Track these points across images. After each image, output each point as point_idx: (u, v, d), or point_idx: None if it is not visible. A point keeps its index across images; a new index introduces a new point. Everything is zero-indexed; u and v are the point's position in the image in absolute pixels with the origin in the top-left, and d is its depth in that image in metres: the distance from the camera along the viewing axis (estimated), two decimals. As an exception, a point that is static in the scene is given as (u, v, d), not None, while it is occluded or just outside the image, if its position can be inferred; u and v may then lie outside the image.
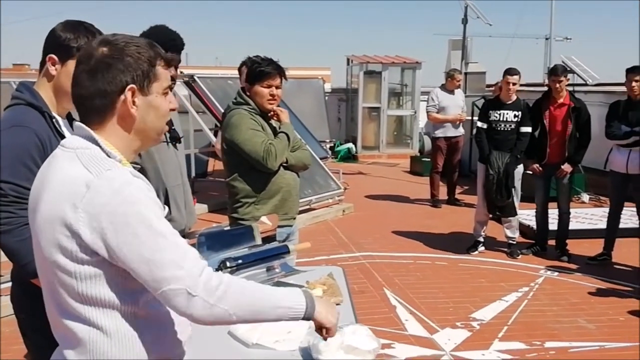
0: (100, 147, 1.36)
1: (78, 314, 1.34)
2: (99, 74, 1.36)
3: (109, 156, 1.36)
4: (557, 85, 5.64)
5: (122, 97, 1.37)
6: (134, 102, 1.38)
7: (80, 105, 1.39)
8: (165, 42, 2.53)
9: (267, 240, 2.62)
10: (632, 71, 5.35)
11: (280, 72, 3.15)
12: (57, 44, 2.00)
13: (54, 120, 1.98)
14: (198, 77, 8.05)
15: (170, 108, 1.46)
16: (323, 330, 1.57)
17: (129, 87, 1.36)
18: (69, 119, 2.08)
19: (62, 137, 1.92)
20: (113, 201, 1.27)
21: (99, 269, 1.32)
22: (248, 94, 3.22)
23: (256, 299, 1.39)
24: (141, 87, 1.39)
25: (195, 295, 1.28)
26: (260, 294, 1.40)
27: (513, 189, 5.81)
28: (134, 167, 1.45)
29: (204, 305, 1.29)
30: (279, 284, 2.59)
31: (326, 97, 13.26)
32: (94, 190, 1.28)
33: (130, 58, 1.37)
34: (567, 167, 5.70)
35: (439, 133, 8.34)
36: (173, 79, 2.60)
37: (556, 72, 5.71)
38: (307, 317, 1.48)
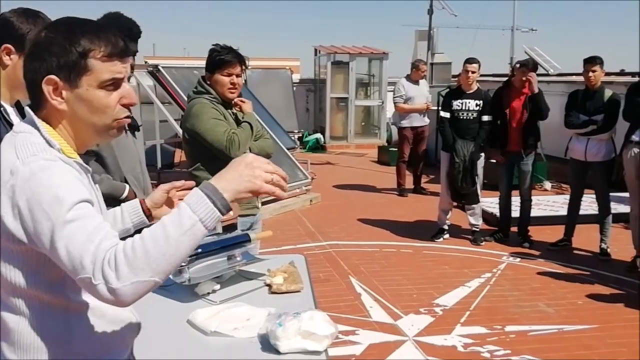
0: (39, 132, 1.31)
1: (9, 303, 1.32)
2: (29, 62, 1.32)
3: (48, 143, 1.30)
4: (524, 78, 5.74)
5: (45, 87, 1.30)
6: (60, 95, 1.31)
7: (27, 90, 1.36)
8: (121, 31, 2.51)
9: (227, 229, 2.63)
10: (589, 62, 5.47)
11: (240, 60, 3.14)
12: (14, 35, 1.96)
13: (1, 109, 1.94)
14: (162, 67, 7.96)
15: (123, 103, 1.36)
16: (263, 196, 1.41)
17: (45, 78, 1.29)
18: (18, 107, 2.04)
19: (11, 125, 1.89)
20: (29, 185, 1.21)
21: (24, 257, 1.28)
22: (208, 82, 3.21)
23: (160, 245, 1.17)
24: (66, 80, 1.30)
25: (98, 283, 1.16)
26: (159, 236, 1.18)
27: (476, 177, 5.92)
28: (87, 156, 1.43)
29: (109, 290, 1.16)
30: (241, 273, 2.61)
31: (294, 88, 13.24)
32: (16, 175, 1.23)
33: (57, 47, 1.29)
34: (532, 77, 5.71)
35: (405, 123, 8.42)
36: (130, 67, 2.59)
37: (527, 65, 5.83)
38: (224, 209, 1.24)
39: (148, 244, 1.17)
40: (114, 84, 1.34)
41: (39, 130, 1.32)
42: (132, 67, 2.61)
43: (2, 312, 1.33)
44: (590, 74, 5.43)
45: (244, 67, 3.18)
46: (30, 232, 1.22)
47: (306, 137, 13.23)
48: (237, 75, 3.15)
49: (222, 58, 3.11)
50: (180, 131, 8.13)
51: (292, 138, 10.23)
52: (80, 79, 1.30)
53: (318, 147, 13.06)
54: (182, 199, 1.44)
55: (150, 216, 1.75)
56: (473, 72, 5.95)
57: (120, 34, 1.38)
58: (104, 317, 1.41)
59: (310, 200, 7.99)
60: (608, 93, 5.46)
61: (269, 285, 2.43)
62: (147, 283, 1.17)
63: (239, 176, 1.27)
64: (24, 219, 1.22)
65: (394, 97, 8.50)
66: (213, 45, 3.19)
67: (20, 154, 1.26)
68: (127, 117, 1.39)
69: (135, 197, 2.61)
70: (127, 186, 2.61)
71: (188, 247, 1.20)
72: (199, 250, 2.37)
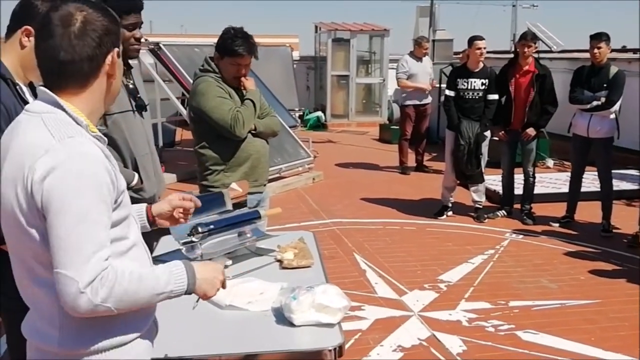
0: (65, 111, 1.35)
1: (45, 280, 1.34)
2: (87, 38, 1.36)
3: (75, 122, 1.35)
4: (526, 49, 5.72)
5: (109, 58, 1.41)
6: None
7: (61, 70, 1.36)
8: (125, 5, 2.50)
9: (237, 206, 2.65)
10: (595, 38, 5.45)
11: (252, 53, 3.14)
12: (36, 17, 1.96)
13: (17, 87, 1.95)
14: (164, 45, 7.91)
15: None
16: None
17: (115, 49, 1.42)
18: (32, 87, 2.05)
19: (27, 104, 1.90)
20: (63, 167, 1.27)
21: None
22: (216, 62, 3.20)
23: (138, 293, 1.36)
24: (119, 49, 1.45)
25: (83, 292, 1.26)
26: (143, 286, 1.37)
27: (481, 157, 5.92)
28: (100, 131, 1.45)
29: (88, 303, 1.27)
30: (251, 249, 2.64)
31: (294, 65, 13.15)
32: (51, 153, 1.28)
33: (109, 22, 1.41)
34: (530, 131, 5.81)
35: (407, 101, 8.38)
36: (138, 40, 2.58)
37: (526, 37, 5.82)
38: (188, 293, 1.48)
39: (141, 287, 1.36)
40: None
41: (63, 109, 1.35)
42: (139, 39, 2.60)
43: (40, 290, 1.36)
44: (596, 50, 5.41)
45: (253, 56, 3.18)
46: (44, 207, 1.28)
47: (307, 115, 13.19)
48: (246, 65, 3.16)
49: (235, 49, 3.09)
50: (181, 109, 8.16)
51: (293, 116, 10.21)
52: (121, 48, 1.48)
53: (319, 125, 13.03)
54: (182, 213, 1.91)
55: (153, 223, 1.87)
56: (484, 48, 5.92)
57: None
58: None
59: (313, 179, 8.01)
60: (613, 70, 5.45)
61: (280, 261, 2.47)
62: (112, 313, 1.33)
63: (209, 282, 1.54)
64: (46, 195, 1.27)
65: (397, 73, 8.40)
66: (229, 27, 3.16)
67: (56, 134, 1.30)
68: None
69: (142, 183, 2.63)
70: (136, 174, 2.62)
71: (151, 305, 1.48)
72: (211, 226, 2.39)
